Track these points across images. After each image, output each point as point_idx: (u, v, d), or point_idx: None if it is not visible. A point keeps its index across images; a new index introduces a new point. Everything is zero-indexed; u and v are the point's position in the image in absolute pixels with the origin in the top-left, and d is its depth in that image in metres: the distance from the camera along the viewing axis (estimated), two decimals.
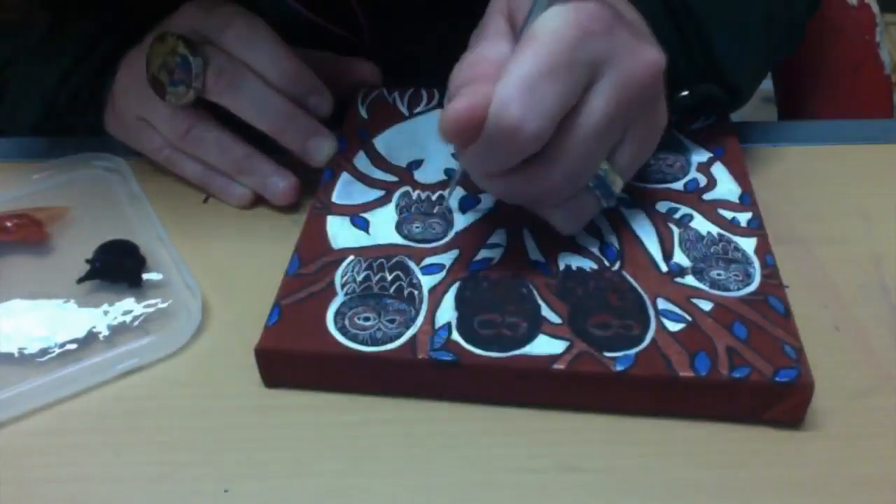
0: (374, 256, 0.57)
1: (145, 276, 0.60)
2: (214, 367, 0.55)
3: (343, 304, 0.54)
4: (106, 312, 0.58)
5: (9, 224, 0.62)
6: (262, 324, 0.53)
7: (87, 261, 0.60)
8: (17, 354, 0.55)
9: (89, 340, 0.56)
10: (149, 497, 0.48)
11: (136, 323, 0.57)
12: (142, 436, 0.51)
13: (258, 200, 0.68)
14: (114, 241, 0.61)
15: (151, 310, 0.58)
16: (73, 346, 0.55)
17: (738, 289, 0.54)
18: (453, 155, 0.65)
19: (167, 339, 0.56)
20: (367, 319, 0.53)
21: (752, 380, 0.49)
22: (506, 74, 0.49)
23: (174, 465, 0.49)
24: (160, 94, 0.64)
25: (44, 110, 0.73)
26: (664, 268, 0.55)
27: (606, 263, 0.56)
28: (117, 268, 0.60)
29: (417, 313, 0.53)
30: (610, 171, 0.54)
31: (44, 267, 0.62)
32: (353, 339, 0.52)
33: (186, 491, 0.48)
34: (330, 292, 0.55)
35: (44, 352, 0.55)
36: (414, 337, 0.52)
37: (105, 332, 0.56)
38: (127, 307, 0.58)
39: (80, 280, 0.59)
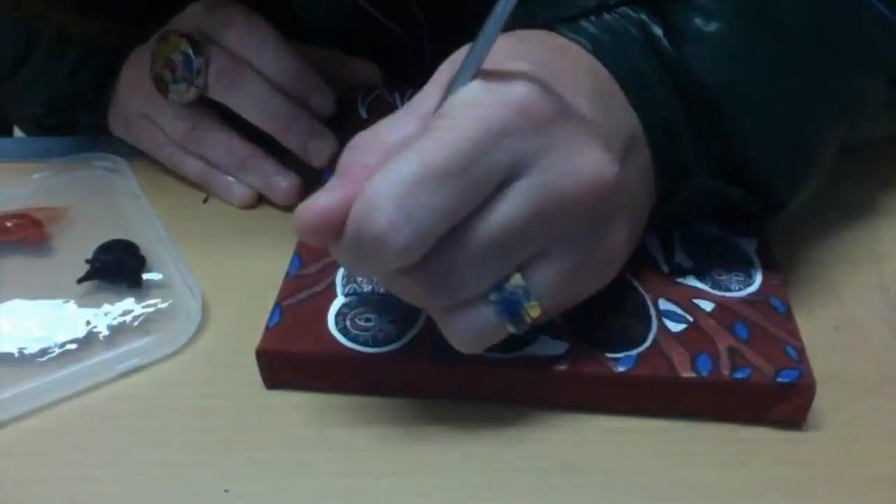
0: None
1: (145, 276, 0.60)
2: (214, 367, 0.55)
3: (344, 304, 0.54)
4: (106, 313, 0.58)
5: (9, 224, 0.62)
6: (263, 324, 0.53)
7: (87, 261, 0.60)
8: (17, 354, 0.55)
9: (89, 340, 0.56)
10: (149, 497, 0.48)
11: (136, 323, 0.57)
12: (142, 436, 0.51)
13: (259, 200, 0.68)
14: (114, 241, 0.61)
15: (151, 310, 0.58)
16: (73, 347, 0.55)
17: (740, 289, 0.54)
18: None
19: (167, 339, 0.56)
20: (367, 320, 0.53)
21: (754, 381, 0.48)
22: (383, 171, 0.42)
23: (174, 465, 0.49)
24: (163, 92, 0.64)
25: (49, 105, 0.73)
26: (665, 268, 0.55)
27: None
28: (117, 268, 0.60)
29: (419, 314, 0.53)
30: (520, 288, 0.45)
31: (44, 267, 0.62)
32: (355, 340, 0.51)
33: (186, 491, 0.48)
34: (330, 293, 0.54)
35: (44, 352, 0.55)
36: (415, 337, 0.51)
37: (105, 332, 0.56)
38: (127, 307, 0.58)
39: (81, 280, 0.59)
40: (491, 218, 0.43)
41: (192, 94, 0.64)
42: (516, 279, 0.45)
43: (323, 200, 0.43)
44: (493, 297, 0.45)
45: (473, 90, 0.44)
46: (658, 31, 0.52)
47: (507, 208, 0.43)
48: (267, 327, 0.53)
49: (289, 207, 0.66)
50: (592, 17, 0.51)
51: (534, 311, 0.46)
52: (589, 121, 0.45)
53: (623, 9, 0.52)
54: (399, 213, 0.41)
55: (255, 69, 0.64)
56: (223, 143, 0.66)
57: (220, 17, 0.65)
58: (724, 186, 0.53)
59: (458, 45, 0.48)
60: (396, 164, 0.42)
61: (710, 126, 0.51)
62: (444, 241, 0.43)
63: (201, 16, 0.66)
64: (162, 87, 0.65)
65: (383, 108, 0.71)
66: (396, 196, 0.41)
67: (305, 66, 0.66)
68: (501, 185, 0.43)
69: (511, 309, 0.46)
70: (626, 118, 0.49)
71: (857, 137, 0.58)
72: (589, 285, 0.49)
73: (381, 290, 0.54)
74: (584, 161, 0.44)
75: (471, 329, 0.46)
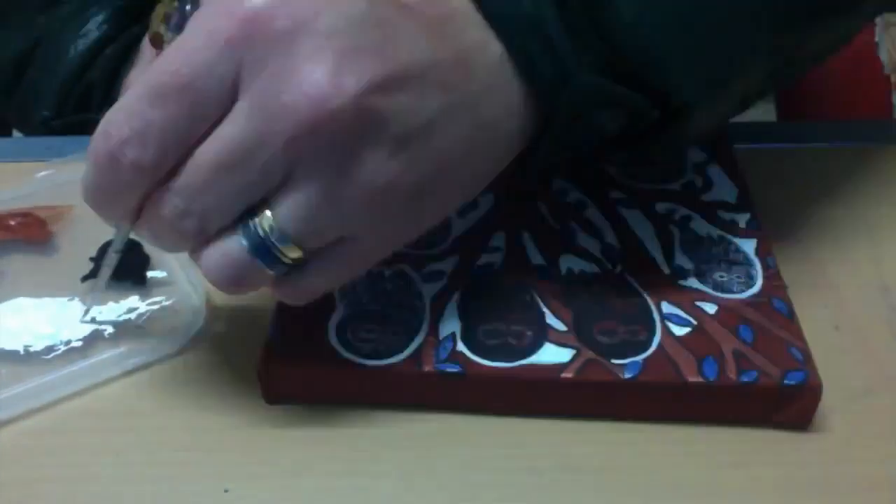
0: (373, 266, 0.56)
1: (150, 273, 0.60)
2: (217, 366, 0.55)
3: (344, 316, 0.53)
4: (111, 310, 0.58)
5: (12, 222, 0.62)
6: (266, 321, 0.53)
7: (92, 259, 0.60)
8: (22, 352, 0.55)
9: (94, 338, 0.56)
10: (149, 497, 0.48)
11: (140, 321, 0.57)
12: (142, 436, 0.51)
13: None
14: None
15: (156, 307, 0.58)
16: (78, 344, 0.55)
17: (741, 291, 0.53)
18: None
19: (171, 337, 0.56)
20: (369, 331, 0.52)
21: (761, 384, 0.48)
22: (124, 91, 0.43)
23: (174, 465, 0.49)
24: (158, 47, 0.64)
25: (58, 105, 0.73)
26: (666, 270, 0.55)
27: (609, 266, 0.56)
28: (121, 266, 0.59)
29: (420, 324, 0.52)
30: (264, 224, 0.43)
31: (48, 265, 0.62)
32: (357, 352, 0.51)
33: (186, 491, 0.48)
34: (330, 305, 0.54)
35: (49, 349, 0.55)
36: (419, 349, 0.51)
37: (110, 330, 0.56)
38: (131, 305, 0.58)
39: (85, 278, 0.59)
40: (217, 137, 0.42)
41: None
42: (265, 218, 0.43)
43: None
44: (240, 234, 0.44)
45: (206, 3, 0.43)
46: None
47: (231, 128, 0.42)
48: (266, 342, 0.52)
49: None
50: None
51: (293, 252, 0.44)
52: (328, 36, 0.41)
53: None
54: (125, 125, 0.41)
55: None
56: None
57: None
58: (613, 87, 0.46)
59: None
60: (135, 82, 0.42)
61: (587, 14, 0.45)
62: (180, 166, 0.43)
63: None
64: (157, 42, 0.64)
65: None
66: (126, 110, 0.42)
67: None
68: (230, 104, 0.42)
69: (253, 239, 0.44)
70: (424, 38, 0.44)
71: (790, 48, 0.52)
72: (329, 218, 0.44)
73: (382, 301, 0.54)
74: (306, 82, 0.40)
75: (221, 263, 0.45)
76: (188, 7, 0.62)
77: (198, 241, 0.45)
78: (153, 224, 0.45)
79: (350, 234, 0.45)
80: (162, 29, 0.63)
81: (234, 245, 0.44)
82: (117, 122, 0.42)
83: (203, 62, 0.41)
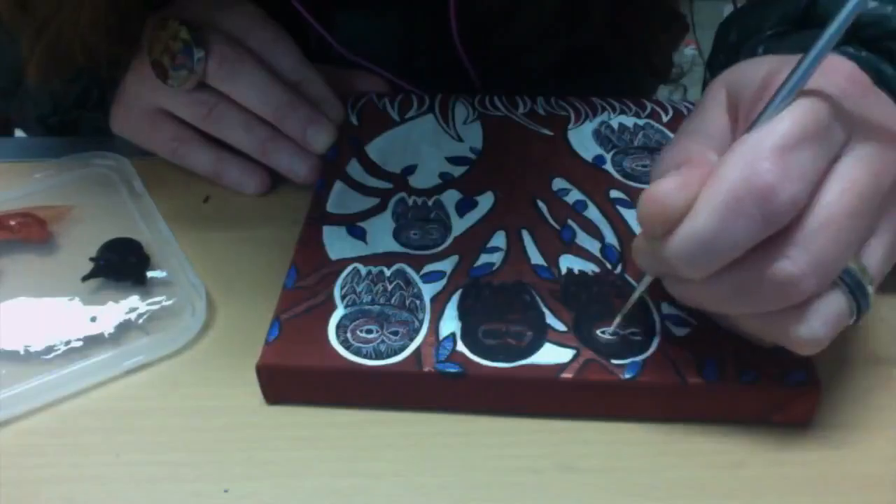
0: (372, 266, 0.56)
1: (150, 273, 0.60)
2: (217, 366, 0.55)
3: (344, 316, 0.53)
4: (111, 310, 0.58)
5: (12, 223, 0.62)
6: (267, 321, 0.53)
7: (92, 259, 0.60)
8: (22, 352, 0.55)
9: (95, 338, 0.56)
10: (149, 497, 0.48)
11: (140, 321, 0.57)
12: (142, 436, 0.51)
13: (261, 197, 0.68)
14: (118, 239, 0.61)
15: (156, 307, 0.58)
16: (78, 344, 0.56)
17: None
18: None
19: (172, 337, 0.56)
20: (369, 332, 0.52)
21: (761, 384, 0.48)
22: (748, 140, 0.42)
23: (174, 465, 0.49)
24: (162, 78, 0.64)
25: (54, 105, 0.73)
26: None
27: (608, 266, 0.56)
28: (122, 266, 0.60)
29: (420, 324, 0.52)
30: (860, 270, 0.44)
31: (48, 265, 0.62)
32: (357, 352, 0.51)
33: (186, 491, 0.48)
34: (330, 305, 0.54)
35: (49, 349, 0.55)
36: (419, 349, 0.51)
37: (110, 330, 0.56)
38: (132, 305, 0.58)
39: (85, 278, 0.59)
40: (844, 186, 0.42)
41: (192, 81, 0.64)
42: (860, 264, 0.44)
43: (672, 181, 0.43)
44: (843, 280, 0.44)
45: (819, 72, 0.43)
46: (888, 67, 0.55)
47: (855, 176, 0.42)
48: (266, 342, 0.52)
49: (292, 207, 0.66)
50: None
51: (871, 290, 0.45)
52: (884, 95, 0.46)
53: (844, 48, 0.55)
54: (784, 163, 0.41)
55: (256, 55, 0.65)
56: (244, 124, 0.66)
57: (224, 5, 0.66)
58: None
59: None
60: (761, 132, 0.42)
61: None
62: (814, 215, 0.42)
63: (202, 4, 0.66)
64: (161, 73, 0.64)
65: (374, 114, 0.70)
66: (777, 149, 0.41)
67: (305, 59, 0.67)
68: (836, 157, 0.43)
69: (860, 291, 0.44)
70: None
71: None
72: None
73: (381, 301, 0.54)
74: None
75: (828, 321, 0.44)
76: (197, 56, 0.63)
77: (803, 298, 0.44)
78: (743, 278, 0.43)
79: None
80: (165, 60, 0.64)
81: (841, 298, 0.44)
82: (769, 156, 0.41)
83: (835, 108, 0.42)
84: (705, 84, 0.74)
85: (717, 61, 0.72)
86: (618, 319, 0.51)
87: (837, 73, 0.44)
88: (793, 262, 0.42)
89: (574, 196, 0.61)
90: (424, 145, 0.67)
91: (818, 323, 0.44)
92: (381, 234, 0.59)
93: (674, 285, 0.47)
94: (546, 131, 0.67)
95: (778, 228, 0.41)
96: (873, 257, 0.44)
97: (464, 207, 0.60)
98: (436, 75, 0.77)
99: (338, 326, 0.52)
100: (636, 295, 0.50)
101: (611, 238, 0.57)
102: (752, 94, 0.45)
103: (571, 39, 0.78)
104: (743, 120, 0.46)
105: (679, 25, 0.87)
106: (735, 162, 0.41)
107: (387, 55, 0.77)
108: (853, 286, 0.44)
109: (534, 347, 0.51)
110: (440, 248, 0.57)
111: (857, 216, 0.42)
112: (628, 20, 0.81)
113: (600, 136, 0.66)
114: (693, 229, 0.42)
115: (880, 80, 0.49)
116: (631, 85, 0.90)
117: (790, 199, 0.40)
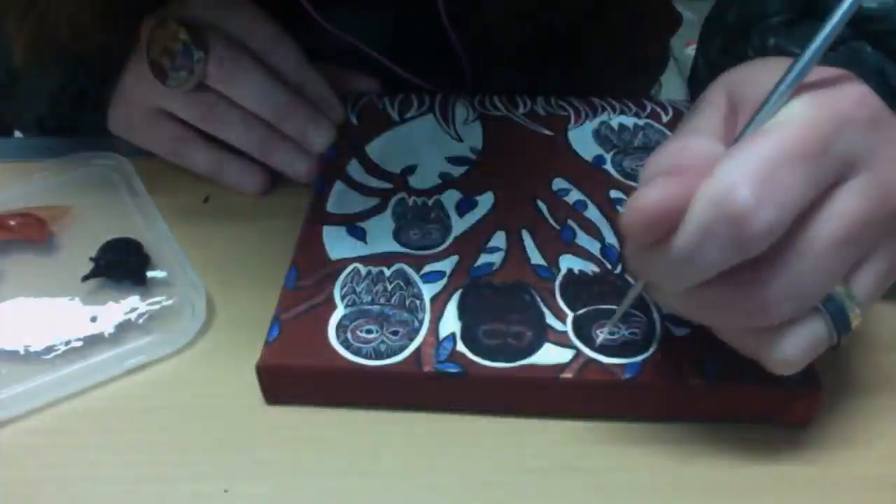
0: (372, 266, 0.56)
1: (149, 273, 0.60)
2: (217, 366, 0.55)
3: (344, 316, 0.53)
4: (111, 310, 0.58)
5: (12, 223, 0.62)
6: (267, 321, 0.53)
7: (92, 259, 0.60)
8: (22, 352, 0.55)
9: (94, 338, 0.56)
10: (149, 497, 0.48)
11: (140, 320, 0.57)
12: (142, 436, 0.51)
13: (261, 197, 0.68)
14: (117, 238, 0.61)
15: (156, 307, 0.58)
16: (78, 344, 0.56)
17: None
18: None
19: (172, 337, 0.56)
20: (369, 332, 0.52)
21: (761, 384, 0.48)
22: (733, 157, 0.41)
23: (174, 465, 0.49)
24: (161, 79, 0.64)
25: (50, 106, 0.73)
26: None
27: (608, 266, 0.56)
28: (121, 266, 0.60)
29: (421, 324, 0.52)
30: (847, 297, 0.43)
31: (48, 265, 0.62)
32: (357, 352, 0.51)
33: (186, 491, 0.48)
34: (330, 305, 0.54)
35: (49, 349, 0.55)
36: (419, 349, 0.51)
37: (110, 330, 0.56)
38: (132, 305, 0.58)
39: (85, 278, 0.59)
40: (836, 215, 0.41)
41: (192, 82, 0.64)
42: (846, 292, 0.43)
43: (658, 191, 0.41)
44: (824, 306, 0.43)
45: (804, 96, 0.42)
46: (892, 68, 0.54)
47: (848, 205, 0.41)
48: (266, 343, 0.52)
49: (291, 206, 0.66)
50: (830, 53, 0.48)
51: (856, 320, 0.44)
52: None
53: (850, 44, 0.54)
54: (762, 188, 0.39)
55: (256, 56, 0.65)
56: (242, 124, 0.66)
57: (224, 4, 0.66)
58: None
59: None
60: (747, 149, 0.40)
61: None
62: (797, 242, 0.41)
63: (201, 3, 0.66)
64: (160, 74, 0.64)
65: (374, 114, 0.70)
66: (756, 174, 0.39)
67: (306, 58, 0.67)
68: (835, 183, 0.42)
69: (841, 318, 0.43)
70: None
71: None
72: (889, 284, 0.45)
73: (381, 301, 0.54)
74: None
75: (801, 346, 0.44)
76: (196, 57, 0.63)
77: (775, 322, 0.43)
78: (717, 296, 0.43)
79: None
80: (164, 61, 0.64)
81: (819, 324, 0.44)
82: (748, 178, 0.39)
83: (828, 137, 0.41)
84: (694, 68, 0.74)
85: (714, 44, 0.71)
86: (614, 319, 0.51)
87: (846, 95, 0.42)
88: (766, 288, 0.41)
89: (574, 196, 0.61)
90: (424, 145, 0.67)
91: (791, 348, 0.44)
92: (381, 234, 0.59)
93: (656, 292, 0.47)
94: (546, 131, 0.67)
95: (755, 254, 0.40)
96: (863, 283, 0.44)
97: (464, 207, 0.60)
98: (427, 59, 0.77)
99: (338, 326, 0.52)
100: (629, 299, 0.50)
101: (611, 238, 0.57)
102: (755, 101, 0.44)
103: (550, 19, 0.78)
104: (740, 127, 0.45)
105: (667, 15, 0.87)
106: (714, 183, 0.40)
107: (378, 42, 0.77)
108: (835, 313, 0.43)
109: (534, 347, 0.51)
110: (440, 248, 0.57)
111: (842, 247, 0.41)
112: (609, 5, 0.81)
113: (600, 136, 0.66)
114: (672, 246, 0.41)
115: (883, 83, 0.48)
116: (618, 75, 0.90)
117: (764, 227, 0.39)
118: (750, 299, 0.42)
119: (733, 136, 0.44)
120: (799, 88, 0.42)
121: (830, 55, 0.45)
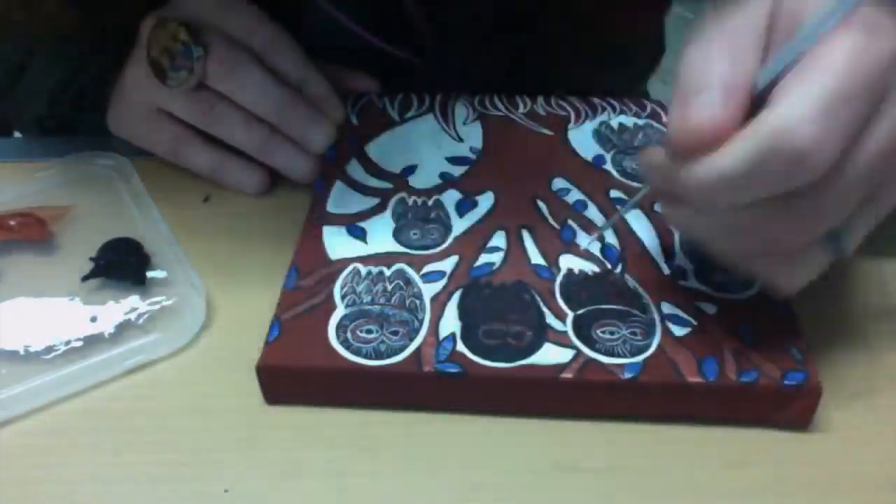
0: (372, 266, 0.56)
1: (149, 273, 0.60)
2: (217, 366, 0.55)
3: (344, 316, 0.53)
4: (111, 310, 0.58)
5: (12, 223, 0.62)
6: (266, 321, 0.53)
7: (92, 259, 0.60)
8: (22, 352, 0.55)
9: (94, 338, 0.56)
10: (149, 497, 0.48)
11: (140, 320, 0.57)
12: (142, 436, 0.51)
13: (261, 197, 0.68)
14: (118, 238, 0.61)
15: (156, 307, 0.58)
16: (78, 344, 0.56)
17: (741, 291, 0.53)
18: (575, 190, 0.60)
19: (172, 337, 0.56)
20: (369, 332, 0.52)
21: (762, 384, 0.48)
22: (790, 89, 0.41)
23: (174, 465, 0.49)
24: (161, 78, 0.64)
25: (50, 106, 0.73)
26: (666, 270, 0.55)
27: (608, 266, 0.56)
28: (121, 266, 0.60)
29: (421, 324, 0.52)
30: (844, 227, 0.45)
31: (48, 265, 0.62)
32: (357, 352, 0.51)
33: (186, 491, 0.48)
34: (330, 305, 0.54)
35: (49, 349, 0.55)
36: (419, 349, 0.51)
37: (110, 330, 0.56)
38: (132, 305, 0.58)
39: (85, 278, 0.59)
40: (871, 144, 0.42)
41: (191, 81, 0.64)
42: (854, 222, 0.45)
43: (712, 112, 0.42)
44: (827, 240, 0.45)
45: (849, 24, 0.42)
46: None
47: (883, 134, 0.42)
48: (266, 342, 0.52)
49: (291, 205, 0.66)
50: None
51: (852, 245, 0.46)
52: None
53: None
54: (824, 127, 0.40)
55: (256, 56, 0.65)
56: (242, 123, 0.66)
57: (224, 4, 0.66)
58: None
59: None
60: (808, 80, 0.41)
61: None
62: (842, 171, 0.42)
63: (201, 3, 0.66)
64: (160, 73, 0.64)
65: (374, 114, 0.70)
66: (819, 111, 0.40)
67: (306, 58, 0.67)
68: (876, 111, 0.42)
69: (836, 241, 0.45)
70: None
71: None
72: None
73: (381, 301, 0.54)
74: None
75: (807, 271, 0.46)
76: (196, 57, 0.63)
77: (796, 248, 0.45)
78: (749, 220, 0.44)
79: None
80: (164, 61, 0.64)
81: (823, 252, 0.46)
82: (811, 116, 0.40)
83: (885, 71, 0.41)
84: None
85: None
86: (607, 225, 0.53)
87: (885, 31, 0.42)
88: (800, 218, 0.43)
89: (574, 196, 0.61)
90: (424, 145, 0.67)
91: (799, 275, 0.46)
92: (381, 234, 0.59)
93: (670, 206, 0.47)
94: (546, 131, 0.67)
95: (803, 185, 0.41)
96: (867, 213, 0.45)
97: (464, 207, 0.60)
98: (385, 22, 0.76)
99: (338, 326, 0.52)
100: (634, 200, 0.52)
101: (611, 238, 0.57)
102: (792, 21, 0.44)
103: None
104: (784, 32, 0.44)
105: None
106: (776, 117, 0.41)
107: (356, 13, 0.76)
108: (833, 240, 0.45)
109: (534, 347, 0.51)
110: (440, 248, 0.57)
111: (878, 174, 0.43)
112: None
113: (600, 136, 0.66)
114: (718, 166, 0.42)
115: None
116: (595, 61, 0.88)
117: (822, 163, 0.40)
118: (786, 228, 0.43)
119: (777, 45, 0.44)
120: (848, 17, 0.42)
121: None
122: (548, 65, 0.80)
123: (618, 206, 0.57)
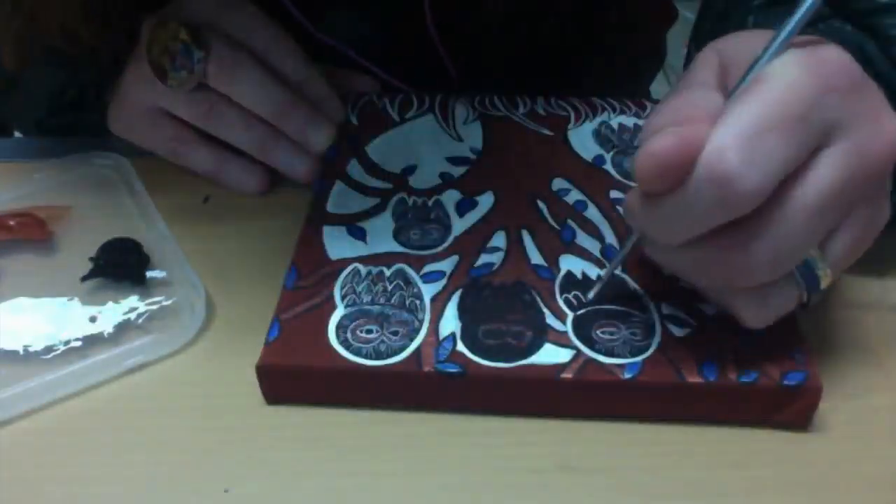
0: (372, 266, 0.56)
1: (149, 273, 0.60)
2: (217, 366, 0.55)
3: (344, 316, 0.53)
4: (110, 310, 0.58)
5: (12, 223, 0.62)
6: (266, 321, 0.53)
7: (91, 259, 0.60)
8: (22, 352, 0.55)
9: (94, 338, 0.56)
10: (149, 497, 0.48)
11: (140, 321, 0.57)
12: (142, 436, 0.51)
13: (261, 197, 0.68)
14: (117, 238, 0.61)
15: (155, 307, 0.58)
16: (77, 344, 0.56)
17: None
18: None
19: (171, 337, 0.56)
20: (369, 332, 0.52)
21: (761, 384, 0.48)
22: (724, 120, 0.42)
23: (174, 465, 0.49)
24: (161, 79, 0.64)
25: (50, 107, 0.73)
26: (666, 271, 0.55)
27: (608, 266, 0.56)
28: (121, 266, 0.60)
29: (421, 324, 0.52)
30: (820, 260, 0.46)
31: (47, 265, 0.62)
32: (357, 352, 0.51)
33: (186, 491, 0.48)
34: (330, 305, 0.54)
35: (48, 349, 0.55)
36: (419, 349, 0.51)
37: (109, 330, 0.56)
38: (131, 305, 0.58)
39: (85, 278, 0.59)
40: (816, 182, 0.43)
41: (192, 82, 0.64)
42: (819, 255, 0.46)
43: (669, 140, 0.42)
44: (797, 268, 0.46)
45: (790, 56, 0.44)
46: (872, 47, 0.56)
47: (827, 171, 0.43)
48: (266, 342, 0.52)
49: (291, 205, 0.66)
50: (808, 29, 0.49)
51: (825, 280, 0.46)
52: (873, 87, 0.45)
53: (830, 21, 0.55)
54: (748, 153, 0.41)
55: (256, 56, 0.65)
56: (244, 122, 0.66)
57: (225, 5, 0.66)
58: None
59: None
60: (737, 112, 0.42)
61: None
62: (780, 208, 0.43)
63: (201, 4, 0.66)
64: (160, 74, 0.64)
65: (374, 115, 0.70)
66: (743, 139, 0.41)
67: (307, 58, 0.67)
68: (817, 148, 0.43)
69: (811, 281, 0.46)
70: (880, 91, 0.48)
71: None
72: (867, 245, 0.48)
73: (381, 301, 0.54)
74: (887, 127, 0.44)
75: (772, 305, 0.47)
76: (197, 57, 0.63)
77: (755, 284, 0.46)
78: (704, 255, 0.45)
79: None
80: (164, 61, 0.64)
81: (792, 286, 0.47)
82: (735, 144, 0.41)
83: (813, 102, 0.42)
84: (688, 59, 0.74)
85: (703, 29, 0.72)
86: (597, 287, 0.53)
87: (828, 62, 0.43)
88: (749, 254, 0.43)
89: (574, 196, 0.61)
90: (424, 145, 0.67)
91: (766, 308, 0.47)
92: (381, 234, 0.59)
93: (651, 245, 0.48)
94: (546, 131, 0.67)
95: (739, 215, 0.42)
96: (836, 249, 0.46)
97: (464, 207, 0.60)
98: (415, 66, 0.77)
99: (338, 326, 0.52)
100: (625, 249, 0.51)
101: (611, 238, 0.57)
102: (744, 62, 0.45)
103: (538, 29, 0.78)
104: (731, 87, 0.46)
105: (663, 10, 0.87)
106: (707, 146, 0.42)
107: (369, 50, 0.77)
108: (808, 278, 0.46)
109: (534, 347, 0.51)
110: (440, 248, 0.57)
111: (822, 213, 0.43)
112: (599, 19, 0.81)
113: (600, 136, 0.66)
114: (667, 201, 0.43)
115: (864, 59, 0.49)
116: (609, 79, 0.90)
117: (748, 189, 0.41)
118: (734, 261, 0.44)
119: (727, 92, 0.45)
120: (784, 50, 0.44)
121: (809, 30, 0.46)
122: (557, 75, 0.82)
123: (608, 258, 0.57)
